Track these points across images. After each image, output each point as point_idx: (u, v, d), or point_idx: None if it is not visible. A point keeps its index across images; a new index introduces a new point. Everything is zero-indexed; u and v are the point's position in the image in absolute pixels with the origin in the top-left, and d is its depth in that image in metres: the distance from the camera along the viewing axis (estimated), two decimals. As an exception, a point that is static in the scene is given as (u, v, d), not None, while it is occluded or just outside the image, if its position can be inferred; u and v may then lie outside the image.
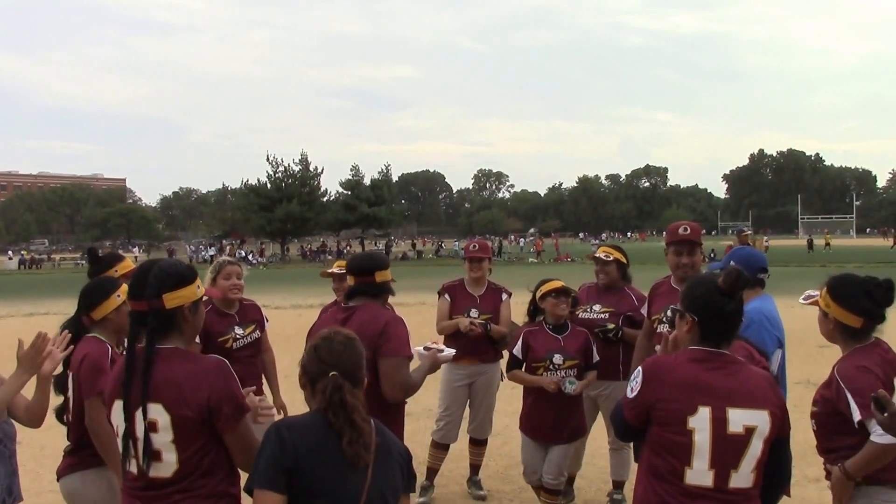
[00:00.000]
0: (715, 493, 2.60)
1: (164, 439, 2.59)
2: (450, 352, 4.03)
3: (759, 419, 2.62)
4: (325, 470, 2.34)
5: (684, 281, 4.64)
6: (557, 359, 4.98)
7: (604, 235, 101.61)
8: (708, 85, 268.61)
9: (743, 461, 2.61)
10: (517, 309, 6.34)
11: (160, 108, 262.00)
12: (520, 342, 5.13)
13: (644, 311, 5.08)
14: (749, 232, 13.43)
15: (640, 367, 2.77)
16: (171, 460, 2.60)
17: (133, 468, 2.66)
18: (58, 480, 3.78)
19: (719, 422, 2.59)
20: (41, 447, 7.47)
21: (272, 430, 2.37)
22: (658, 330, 4.70)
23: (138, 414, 2.59)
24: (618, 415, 2.83)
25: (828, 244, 58.01)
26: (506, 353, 5.86)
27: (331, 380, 2.41)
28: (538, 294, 5.16)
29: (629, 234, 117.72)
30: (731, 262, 3.91)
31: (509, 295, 6.04)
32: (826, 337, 3.25)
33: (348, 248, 63.79)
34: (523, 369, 5.12)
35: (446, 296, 5.94)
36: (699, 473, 2.59)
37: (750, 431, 2.61)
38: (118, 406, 2.67)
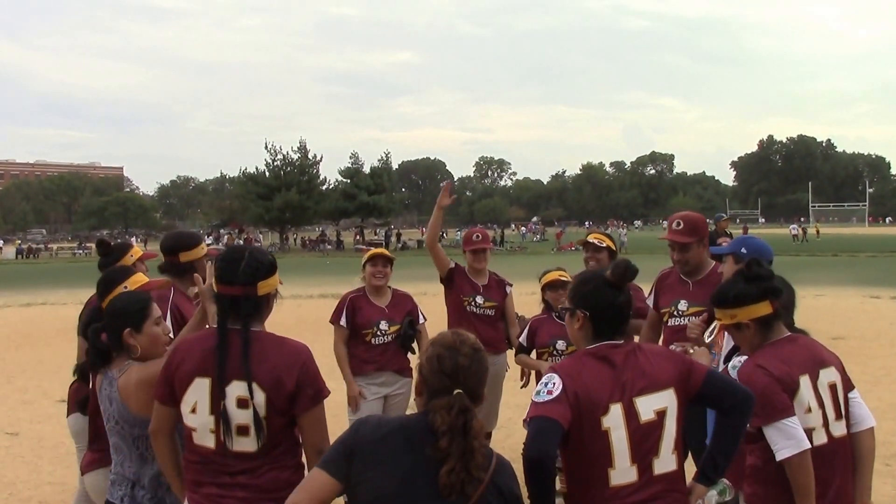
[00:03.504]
0: (642, 486, 2.54)
1: (257, 415, 2.73)
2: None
3: (667, 399, 2.59)
4: (391, 483, 2.22)
5: (690, 274, 4.58)
6: (561, 345, 5.11)
7: (622, 227, 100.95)
8: (714, 69, 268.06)
9: (662, 445, 2.57)
10: (524, 300, 6.35)
11: (157, 96, 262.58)
12: (527, 330, 5.33)
13: (650, 301, 4.98)
14: (727, 218, 14.12)
15: (550, 371, 2.64)
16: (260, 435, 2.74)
17: (210, 443, 2.77)
18: (81, 475, 3.85)
19: (631, 415, 2.54)
20: (39, 439, 7.52)
21: (357, 420, 2.39)
22: (670, 324, 4.61)
23: (229, 391, 2.72)
24: (539, 433, 2.48)
25: (817, 233, 58.30)
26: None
27: (457, 399, 2.24)
28: (541, 285, 5.37)
29: (636, 222, 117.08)
30: (743, 249, 3.85)
31: (511, 286, 6.07)
32: (750, 348, 3.08)
33: (358, 237, 63.54)
34: (532, 356, 5.32)
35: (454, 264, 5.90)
36: (623, 472, 2.53)
37: (661, 414, 2.57)
38: (200, 384, 2.77)
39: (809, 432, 2.89)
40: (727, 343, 3.64)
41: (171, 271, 4.24)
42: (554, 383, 2.55)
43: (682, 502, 2.63)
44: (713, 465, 2.67)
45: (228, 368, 2.73)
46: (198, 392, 2.77)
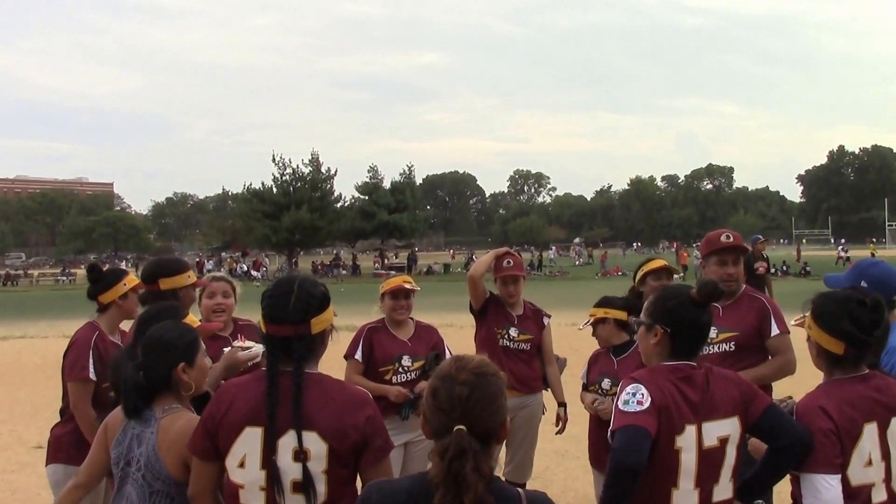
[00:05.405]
0: None
1: (316, 469, 2.70)
2: (255, 349, 3.93)
3: (731, 427, 2.85)
4: None
5: (725, 297, 4.56)
6: (606, 384, 5.09)
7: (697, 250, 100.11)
8: (779, 72, 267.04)
9: (722, 473, 2.83)
10: (564, 332, 6.26)
11: (152, 103, 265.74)
12: (587, 363, 5.34)
13: None
14: (763, 240, 14.67)
15: (633, 381, 2.85)
16: (319, 491, 2.72)
17: (260, 502, 2.74)
18: (46, 465, 4.47)
19: (701, 439, 2.79)
20: (13, 491, 7.53)
21: (360, 496, 2.31)
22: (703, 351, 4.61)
23: (284, 443, 2.70)
24: (632, 442, 2.70)
25: (873, 255, 57.64)
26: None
27: (454, 438, 2.09)
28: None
29: (695, 244, 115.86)
30: (863, 283, 3.59)
31: (549, 318, 6.04)
32: (815, 364, 3.11)
33: (377, 262, 63.77)
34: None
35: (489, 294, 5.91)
36: (685, 494, 2.78)
37: (724, 442, 2.83)
38: (251, 434, 2.74)
39: (868, 489, 2.86)
40: None
41: (152, 302, 4.22)
42: (643, 394, 2.79)
43: None
44: (749, 491, 3.00)
45: (282, 417, 2.69)
46: (248, 444, 2.73)
